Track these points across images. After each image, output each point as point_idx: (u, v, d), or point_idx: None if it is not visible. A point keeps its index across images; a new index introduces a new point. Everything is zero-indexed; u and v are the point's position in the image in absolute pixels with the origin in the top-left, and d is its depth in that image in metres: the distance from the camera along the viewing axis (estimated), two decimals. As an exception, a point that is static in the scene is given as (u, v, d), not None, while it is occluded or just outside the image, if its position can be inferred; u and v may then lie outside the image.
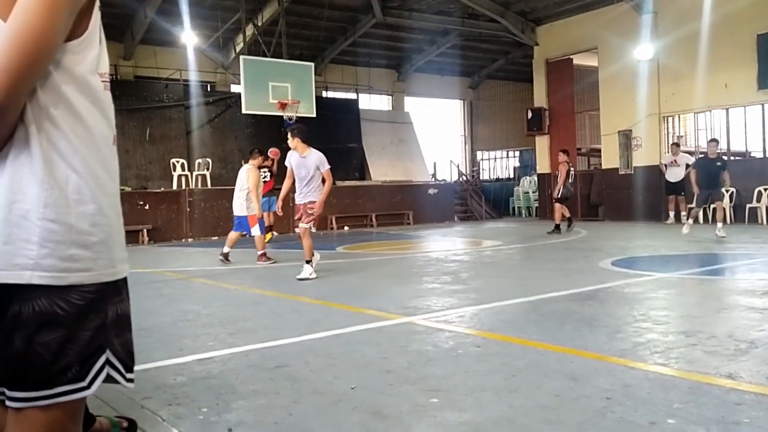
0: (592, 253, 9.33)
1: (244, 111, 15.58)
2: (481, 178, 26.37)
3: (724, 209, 11.96)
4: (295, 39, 19.22)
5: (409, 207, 19.11)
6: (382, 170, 21.53)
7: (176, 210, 15.38)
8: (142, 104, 17.77)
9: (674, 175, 14.97)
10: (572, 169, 14.11)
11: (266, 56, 16.77)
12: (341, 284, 7.01)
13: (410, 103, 24.64)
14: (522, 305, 5.29)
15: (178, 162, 16.69)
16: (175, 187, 16.12)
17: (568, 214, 13.98)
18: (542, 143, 20.24)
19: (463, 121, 27.05)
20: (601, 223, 16.58)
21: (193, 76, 18.79)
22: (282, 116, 15.35)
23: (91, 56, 1.29)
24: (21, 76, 1.15)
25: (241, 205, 9.26)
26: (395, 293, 6.16)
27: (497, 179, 26.82)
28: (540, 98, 20.09)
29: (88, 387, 1.27)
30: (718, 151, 12.31)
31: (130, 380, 1.35)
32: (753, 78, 14.70)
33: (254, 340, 4.29)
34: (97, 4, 1.30)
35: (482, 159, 27.91)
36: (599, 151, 18.84)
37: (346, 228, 17.66)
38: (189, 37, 17.23)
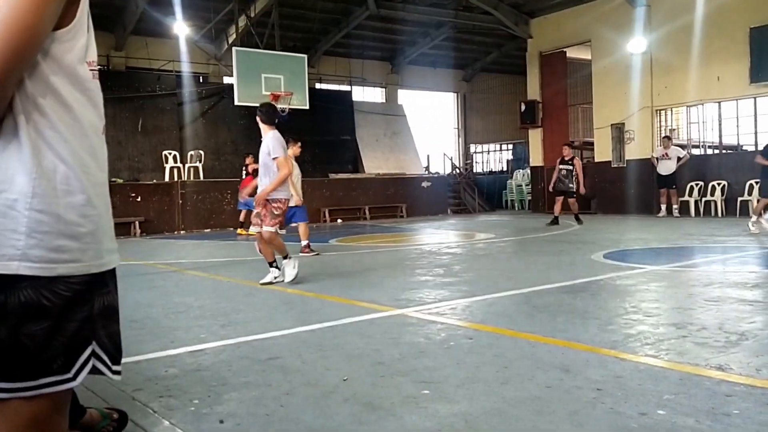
0: (584, 245, 9.36)
1: (236, 103, 15.52)
2: (474, 171, 26.39)
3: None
4: (289, 30, 19.15)
5: (402, 200, 19.11)
6: (375, 163, 21.50)
7: (168, 202, 15.33)
8: (134, 95, 17.66)
9: (666, 168, 15.02)
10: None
11: (259, 48, 16.70)
12: (334, 277, 7.01)
13: (404, 96, 24.60)
14: (514, 297, 5.30)
15: (170, 154, 16.62)
16: (167, 179, 16.05)
17: (560, 211, 13.97)
18: (535, 136, 20.27)
19: (457, 114, 27.02)
20: (593, 216, 16.63)
21: (186, 68, 18.68)
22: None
23: (79, 45, 1.28)
24: (8, 65, 1.14)
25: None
26: (388, 285, 6.16)
27: (490, 172, 26.85)
28: (533, 91, 20.10)
29: (74, 378, 1.26)
30: None
31: (117, 372, 1.34)
32: (745, 71, 14.75)
33: (246, 332, 4.28)
34: None
35: (476, 152, 27.92)
36: (592, 144, 18.88)
37: (339, 221, 17.65)
38: (181, 27, 17.13)
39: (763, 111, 15.33)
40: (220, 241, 12.63)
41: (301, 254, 8.78)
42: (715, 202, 15.19)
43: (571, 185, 13.66)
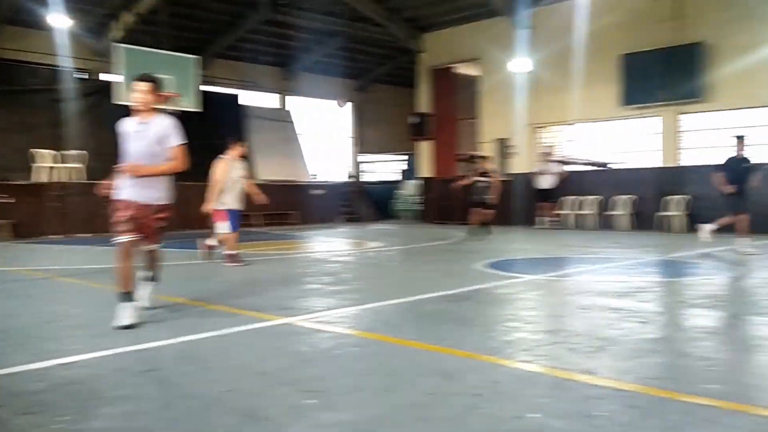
0: (470, 255, 9.69)
1: (118, 102, 14.79)
2: (367, 180, 26.65)
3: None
4: (180, 30, 18.49)
5: (294, 207, 18.95)
6: (268, 169, 21.18)
7: (42, 204, 14.32)
8: (5, 89, 16.36)
9: (544, 182, 15.85)
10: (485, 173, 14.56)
11: (147, 46, 16.02)
12: (220, 285, 6.83)
13: (298, 103, 24.44)
14: (401, 305, 5.40)
15: (43, 153, 15.52)
16: (39, 179, 14.98)
17: (478, 222, 14.43)
18: (426, 148, 20.80)
19: (351, 124, 27.20)
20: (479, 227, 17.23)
21: (66, 63, 17.56)
22: (162, 109, 14.70)
23: None
24: None
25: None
26: (276, 294, 6.09)
27: (382, 182, 27.23)
28: (424, 104, 20.63)
29: None
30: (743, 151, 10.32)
31: None
32: (617, 95, 15.90)
33: (124, 342, 4.08)
34: None
35: (369, 162, 28.22)
36: (480, 157, 19.61)
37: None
38: (60, 19, 16.09)
39: (631, 132, 16.58)
40: (100, 246, 11.96)
41: (225, 264, 8.43)
42: (589, 216, 16.23)
43: (485, 196, 14.22)
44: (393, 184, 25.80)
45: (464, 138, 21.74)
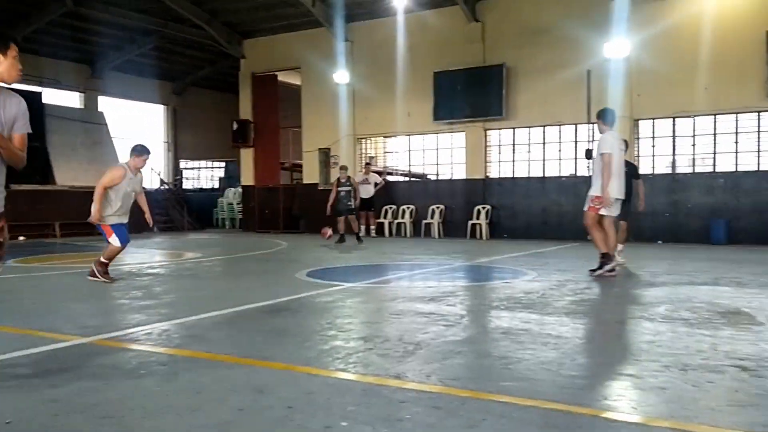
0: (290, 264, 9.64)
1: None
2: (184, 187, 25.52)
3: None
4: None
5: (101, 216, 17.55)
6: (71, 174, 19.41)
7: None
8: None
9: (365, 192, 16.28)
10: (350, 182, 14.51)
11: None
12: (7, 302, 6.10)
13: (106, 103, 22.75)
14: (216, 319, 5.20)
15: None
16: None
17: (357, 229, 14.41)
18: (247, 156, 20.42)
19: (167, 128, 25.88)
20: (301, 235, 17.26)
21: None
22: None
23: None
24: None
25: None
26: (75, 311, 5.57)
27: (201, 189, 26.25)
28: (246, 111, 20.26)
29: None
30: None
31: None
32: (430, 110, 16.81)
33: None
34: None
35: (186, 168, 27.05)
36: (301, 166, 19.67)
37: (21, 238, 15.52)
38: None
39: (444, 145, 17.63)
40: None
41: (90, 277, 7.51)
42: (405, 224, 16.96)
43: (349, 203, 14.22)
44: (214, 192, 24.99)
45: (288, 147, 21.68)
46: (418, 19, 16.96)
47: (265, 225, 19.17)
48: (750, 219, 13.84)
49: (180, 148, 26.21)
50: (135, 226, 8.44)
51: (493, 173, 16.93)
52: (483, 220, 16.23)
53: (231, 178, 24.69)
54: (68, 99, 21.68)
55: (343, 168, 15.00)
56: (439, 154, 17.74)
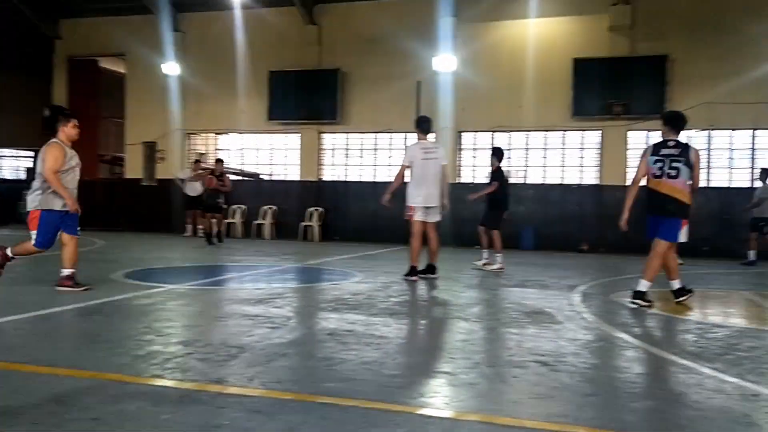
0: (106, 264, 8.97)
1: None
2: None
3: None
4: None
5: None
6: None
7: None
8: None
9: (193, 189, 15.64)
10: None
11: None
12: None
13: None
14: (18, 323, 4.68)
15: None
16: None
17: (210, 227, 13.58)
18: (61, 145, 18.72)
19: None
20: (121, 234, 16.15)
21: None
22: None
23: None
24: None
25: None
26: None
27: (3, 180, 23.61)
28: (60, 97, 18.58)
29: None
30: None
31: None
32: (265, 109, 16.57)
33: None
34: None
35: (-12, 156, 24.18)
36: (123, 159, 18.44)
37: None
38: None
39: (279, 146, 17.47)
40: None
41: (60, 288, 6.21)
42: (236, 225, 16.54)
43: (219, 200, 13.47)
44: (19, 183, 22.59)
45: (109, 138, 20.23)
46: (256, 16, 16.66)
47: (80, 221, 17.66)
48: (555, 227, 15.27)
49: (-20, 133, 23.35)
50: None
51: (327, 176, 17.09)
52: (315, 222, 16.30)
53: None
54: None
55: (219, 161, 14.31)
56: (273, 154, 17.55)
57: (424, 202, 7.97)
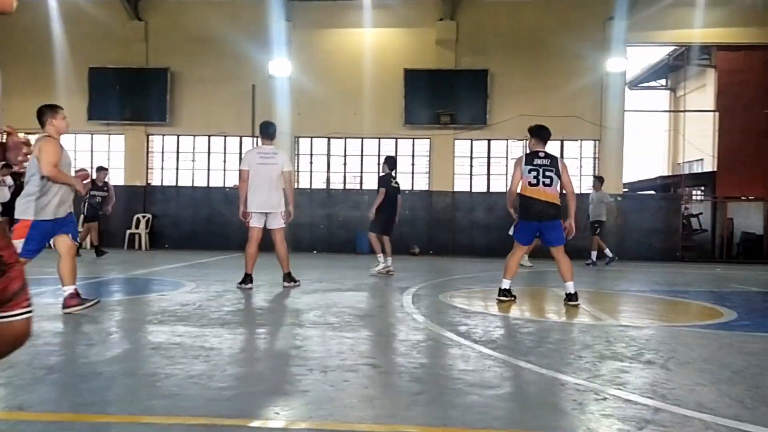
0: None
1: None
2: None
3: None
4: None
5: None
6: None
7: None
8: None
9: (2, 196, 14.04)
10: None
11: None
12: None
13: None
14: None
15: None
16: None
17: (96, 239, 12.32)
18: None
19: None
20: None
21: None
22: None
23: None
24: None
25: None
26: None
27: None
28: None
29: None
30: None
31: None
32: (84, 108, 15.37)
33: None
34: None
35: None
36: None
37: None
38: None
39: (100, 148, 16.27)
40: None
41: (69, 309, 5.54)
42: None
43: (102, 211, 12.40)
44: None
45: None
46: (75, 8, 15.43)
47: None
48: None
49: None
50: None
51: (156, 180, 16.21)
52: (143, 230, 15.39)
53: None
54: None
55: (102, 170, 12.69)
56: (93, 156, 16.31)
57: (258, 208, 7.82)
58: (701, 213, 18.93)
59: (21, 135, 2.22)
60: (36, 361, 3.86)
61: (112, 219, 15.52)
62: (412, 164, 16.17)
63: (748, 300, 8.37)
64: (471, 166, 16.13)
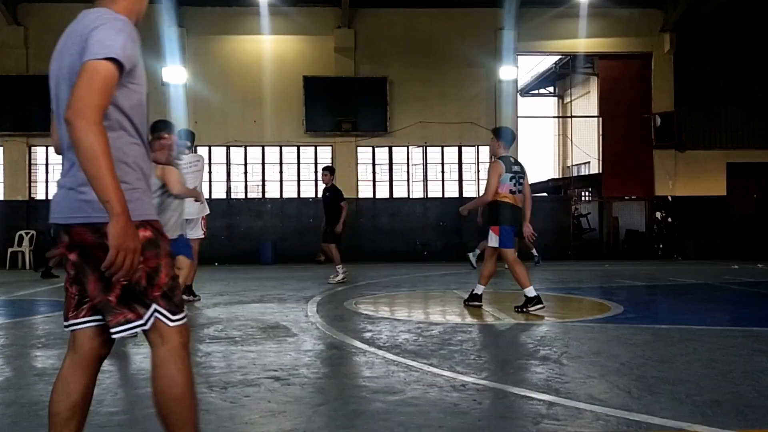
0: None
1: None
2: None
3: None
4: None
5: None
6: None
7: None
8: None
9: None
10: None
11: None
12: None
13: None
14: None
15: None
16: None
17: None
18: None
19: None
20: None
21: None
22: None
23: None
24: None
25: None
26: None
27: None
28: None
29: None
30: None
31: None
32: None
33: None
34: None
35: None
36: None
37: None
38: None
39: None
40: None
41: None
42: None
43: None
44: None
45: None
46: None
47: None
48: (293, 240, 15.58)
49: None
50: None
51: (41, 194, 15.24)
52: (26, 247, 14.40)
53: None
54: None
55: None
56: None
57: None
58: (589, 213, 20.03)
59: None
60: None
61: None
62: (315, 172, 16.09)
63: (633, 294, 8.92)
64: (374, 172, 16.27)
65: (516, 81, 16.64)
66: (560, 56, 19.63)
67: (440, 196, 16.30)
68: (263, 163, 16.13)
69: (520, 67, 17.21)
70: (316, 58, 15.70)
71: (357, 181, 15.92)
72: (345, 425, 3.01)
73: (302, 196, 16.07)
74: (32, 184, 15.21)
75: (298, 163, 16.15)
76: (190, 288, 7.85)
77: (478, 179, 16.38)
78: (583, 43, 16.54)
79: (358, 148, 15.96)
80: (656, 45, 16.67)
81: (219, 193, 16.09)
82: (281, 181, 16.14)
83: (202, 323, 6.20)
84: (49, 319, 6.59)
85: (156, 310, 2.07)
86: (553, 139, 25.17)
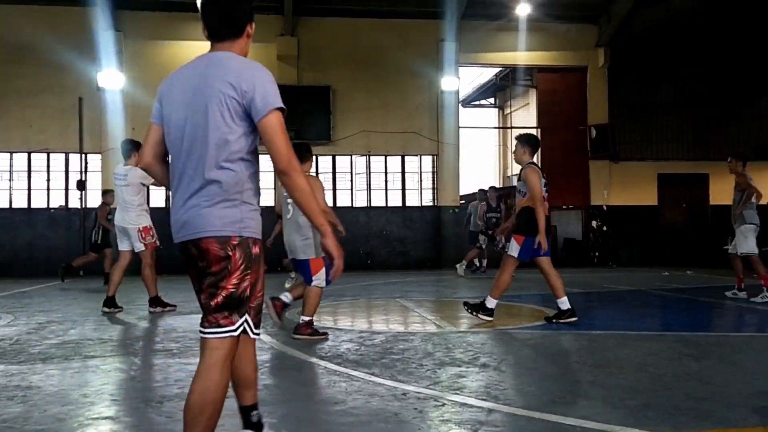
0: None
1: None
2: None
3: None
4: None
5: None
6: None
7: None
8: None
9: None
10: None
11: None
12: None
13: None
14: None
15: None
16: None
17: None
18: None
19: None
20: None
21: None
22: None
23: None
24: None
25: None
26: None
27: None
28: None
29: None
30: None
31: None
32: None
33: None
34: None
35: None
36: None
37: None
38: None
39: None
40: None
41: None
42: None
43: None
44: None
45: None
46: None
47: None
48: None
49: None
50: None
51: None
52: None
53: None
54: None
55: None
56: None
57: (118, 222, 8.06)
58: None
59: None
60: None
61: None
62: (259, 180, 15.87)
63: (570, 301, 9.13)
64: (316, 181, 16.14)
65: (458, 92, 16.88)
66: (500, 68, 20.04)
67: (384, 205, 16.36)
68: (204, 171, 15.81)
69: (461, 78, 17.46)
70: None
71: (300, 189, 15.79)
72: (282, 437, 2.97)
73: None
74: None
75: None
76: (157, 298, 7.77)
77: (421, 188, 16.51)
78: (522, 56, 16.93)
79: (302, 157, 15.86)
80: (591, 59, 17.23)
81: (159, 201, 15.68)
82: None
83: (139, 335, 6.02)
84: (-27, 333, 6.25)
85: (246, 321, 2.36)
86: (494, 149, 25.65)
